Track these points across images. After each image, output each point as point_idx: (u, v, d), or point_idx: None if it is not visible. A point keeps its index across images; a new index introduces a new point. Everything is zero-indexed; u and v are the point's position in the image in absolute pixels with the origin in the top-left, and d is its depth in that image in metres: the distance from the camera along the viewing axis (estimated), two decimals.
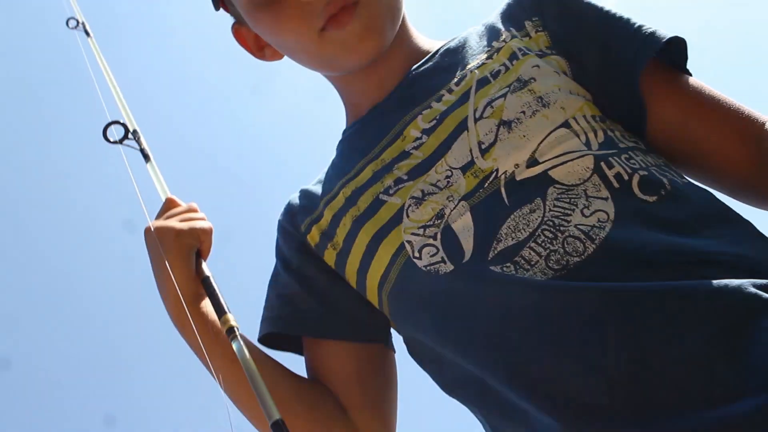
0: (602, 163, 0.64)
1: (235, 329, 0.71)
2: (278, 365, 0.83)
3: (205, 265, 0.83)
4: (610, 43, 0.73)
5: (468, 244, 0.65)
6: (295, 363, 0.87)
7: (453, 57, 0.81)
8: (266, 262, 0.93)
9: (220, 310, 0.74)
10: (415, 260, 0.68)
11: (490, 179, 0.67)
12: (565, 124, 0.68)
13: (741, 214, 0.66)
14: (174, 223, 0.84)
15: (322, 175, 0.88)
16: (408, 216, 0.71)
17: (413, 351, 0.77)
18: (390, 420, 0.84)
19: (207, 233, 0.84)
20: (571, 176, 0.64)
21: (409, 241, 0.70)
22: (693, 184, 0.68)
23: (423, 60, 0.82)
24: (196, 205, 0.92)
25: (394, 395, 0.86)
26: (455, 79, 0.76)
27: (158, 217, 0.88)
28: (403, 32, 0.84)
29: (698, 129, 0.70)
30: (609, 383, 0.54)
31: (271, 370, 0.80)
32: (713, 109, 0.70)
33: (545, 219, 0.62)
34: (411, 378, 0.86)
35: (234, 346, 0.69)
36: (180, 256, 0.80)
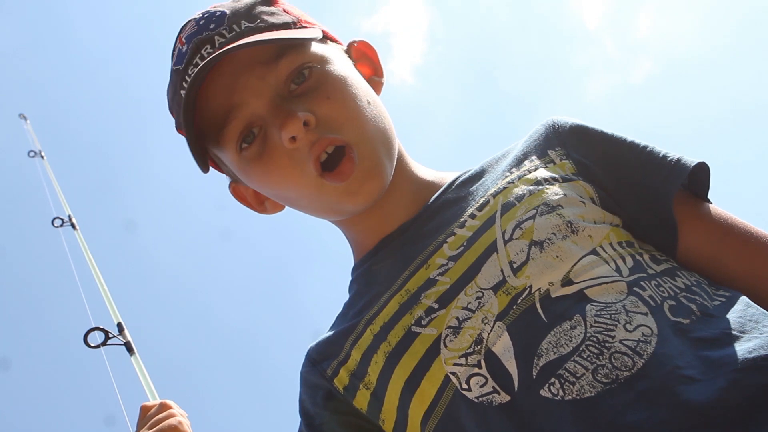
0: (635, 288, 0.65)
1: None
2: None
3: None
4: (636, 172, 0.74)
5: (511, 365, 0.64)
6: None
7: (471, 185, 0.81)
8: None
9: None
10: (464, 392, 0.67)
11: (523, 296, 0.66)
12: (594, 252, 0.68)
13: None
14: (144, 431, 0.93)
15: (337, 321, 0.85)
16: (446, 346, 0.69)
17: None
18: None
19: (176, 429, 0.92)
20: (607, 296, 0.65)
21: (453, 373, 0.68)
22: (723, 303, 0.67)
23: (440, 191, 0.82)
24: (167, 401, 1.01)
25: None
26: (477, 205, 0.76)
27: (137, 426, 0.97)
28: (402, 164, 0.84)
29: (731, 262, 0.71)
30: None
31: None
32: (745, 242, 0.72)
33: (588, 335, 0.62)
34: None
35: None
36: None
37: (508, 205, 0.73)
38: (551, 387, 0.61)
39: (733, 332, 0.61)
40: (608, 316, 0.63)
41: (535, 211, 0.71)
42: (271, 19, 0.79)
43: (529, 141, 0.81)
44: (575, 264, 0.67)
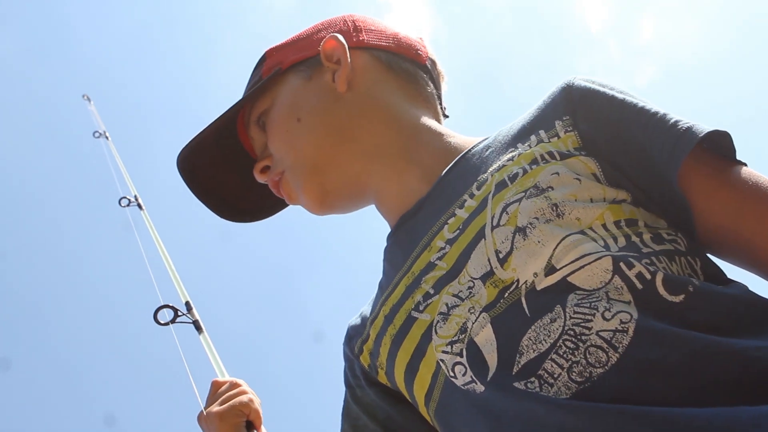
0: (621, 264, 0.60)
1: None
2: None
3: (264, 429, 0.97)
4: (644, 143, 0.67)
5: (492, 359, 0.63)
6: None
7: (477, 159, 0.78)
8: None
9: None
10: (452, 379, 0.67)
11: (511, 289, 0.64)
12: (581, 233, 0.64)
13: None
14: (216, 407, 0.96)
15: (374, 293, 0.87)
16: (436, 333, 0.69)
17: None
18: None
19: (248, 406, 0.96)
20: (591, 280, 0.61)
21: (441, 360, 0.68)
22: (727, 289, 0.62)
23: (450, 165, 0.80)
24: (238, 380, 1.05)
25: None
26: (476, 183, 0.74)
27: (207, 401, 1.01)
28: (420, 136, 0.85)
29: (750, 228, 0.63)
30: None
31: None
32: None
33: (566, 328, 0.60)
34: None
35: None
36: None
37: (502, 184, 0.70)
38: (528, 385, 0.59)
39: (729, 324, 0.57)
40: (587, 305, 0.60)
41: (523, 194, 0.67)
42: (252, 81, 0.92)
43: (543, 107, 0.77)
44: (557, 246, 0.63)
